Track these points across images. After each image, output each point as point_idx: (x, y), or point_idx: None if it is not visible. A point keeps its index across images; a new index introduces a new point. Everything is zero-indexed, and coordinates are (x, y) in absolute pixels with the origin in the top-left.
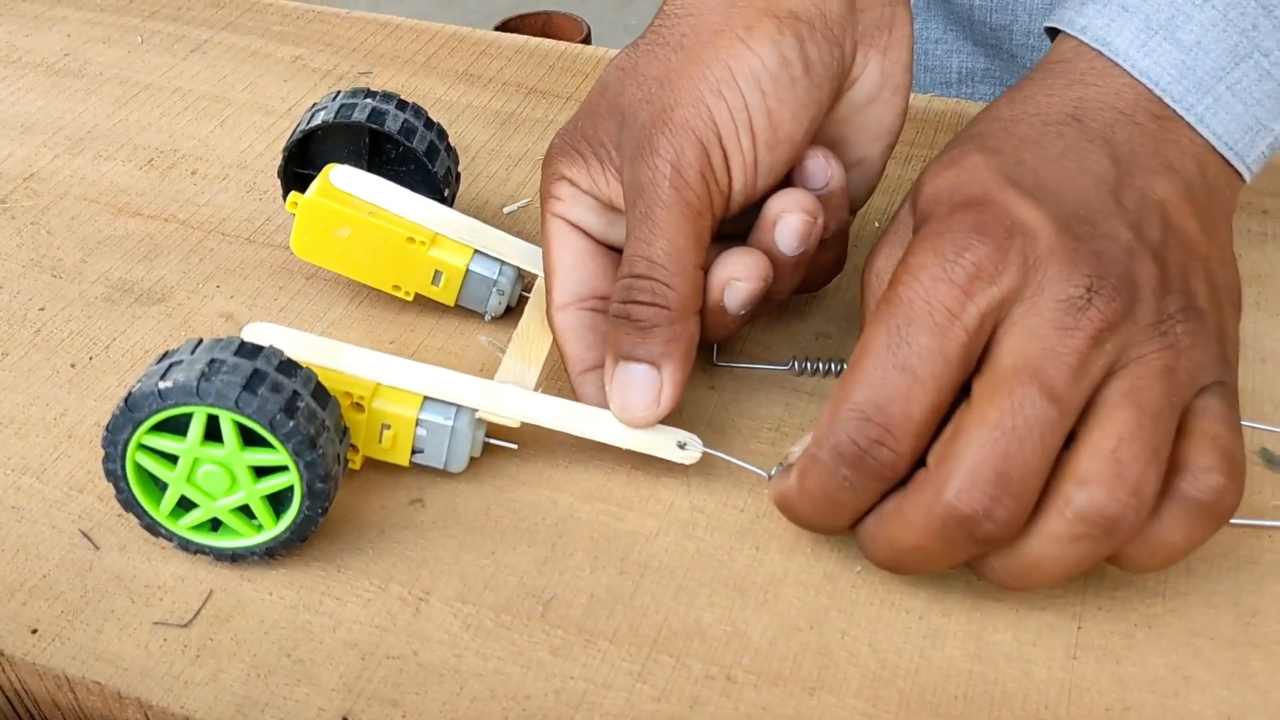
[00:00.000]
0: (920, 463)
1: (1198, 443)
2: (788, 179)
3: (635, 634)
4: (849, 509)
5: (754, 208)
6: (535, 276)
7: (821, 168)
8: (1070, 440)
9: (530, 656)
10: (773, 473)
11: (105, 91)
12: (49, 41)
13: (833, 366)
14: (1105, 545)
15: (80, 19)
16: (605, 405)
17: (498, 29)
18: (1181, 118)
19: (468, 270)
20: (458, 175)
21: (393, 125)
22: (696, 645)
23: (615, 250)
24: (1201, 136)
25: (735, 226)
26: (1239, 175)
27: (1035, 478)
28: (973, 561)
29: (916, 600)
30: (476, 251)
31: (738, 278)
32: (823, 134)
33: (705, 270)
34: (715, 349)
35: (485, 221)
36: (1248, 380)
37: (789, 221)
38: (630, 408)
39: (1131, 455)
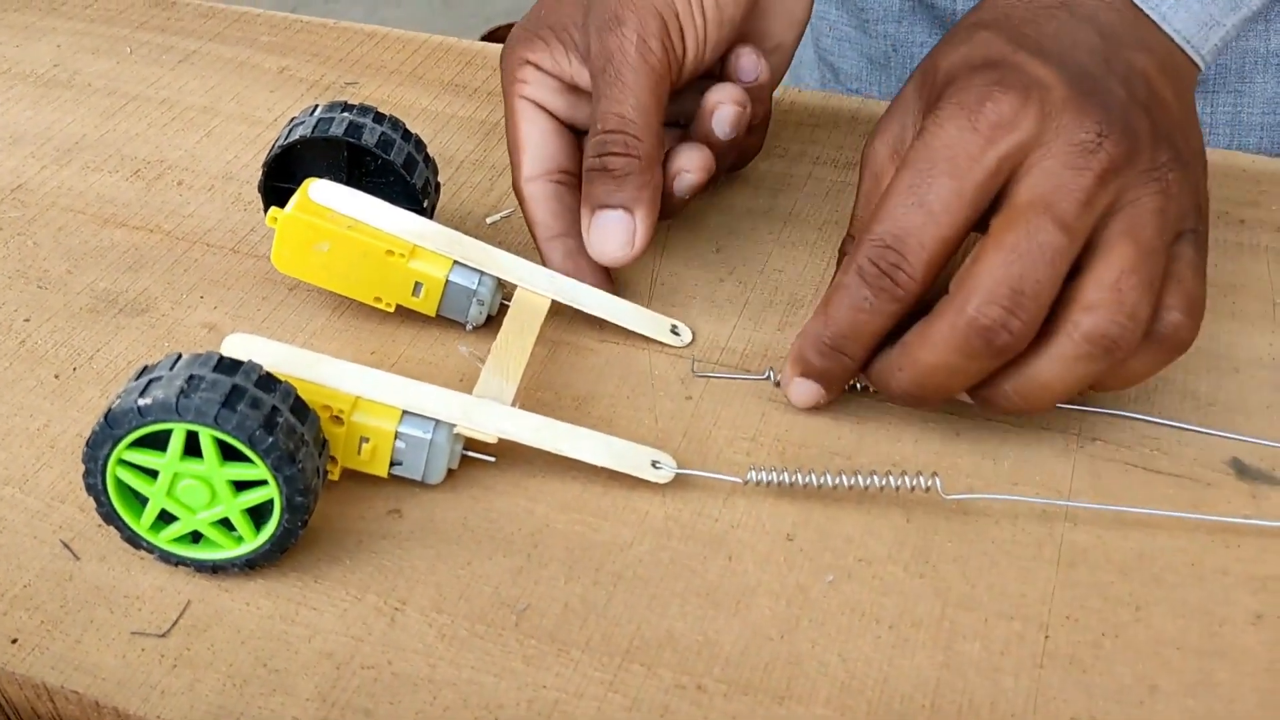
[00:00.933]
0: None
1: (1167, 284)
2: (723, 74)
3: (608, 643)
4: (868, 332)
5: (692, 97)
6: (515, 286)
7: (753, 64)
8: (1075, 273)
9: (504, 666)
10: (769, 375)
11: (94, 102)
12: (39, 52)
13: None
14: (1103, 364)
15: (70, 30)
16: (570, 271)
17: (484, 39)
18: (1148, 15)
19: (447, 281)
20: (437, 186)
21: (370, 139)
22: (668, 655)
23: (576, 131)
24: (1163, 32)
25: (676, 112)
26: (1196, 66)
27: (1045, 295)
28: (984, 390)
29: (886, 610)
30: (456, 262)
31: (687, 169)
32: (748, 25)
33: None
34: (694, 363)
35: (468, 232)
36: (1220, 390)
37: (724, 111)
38: (607, 250)
39: (1130, 285)
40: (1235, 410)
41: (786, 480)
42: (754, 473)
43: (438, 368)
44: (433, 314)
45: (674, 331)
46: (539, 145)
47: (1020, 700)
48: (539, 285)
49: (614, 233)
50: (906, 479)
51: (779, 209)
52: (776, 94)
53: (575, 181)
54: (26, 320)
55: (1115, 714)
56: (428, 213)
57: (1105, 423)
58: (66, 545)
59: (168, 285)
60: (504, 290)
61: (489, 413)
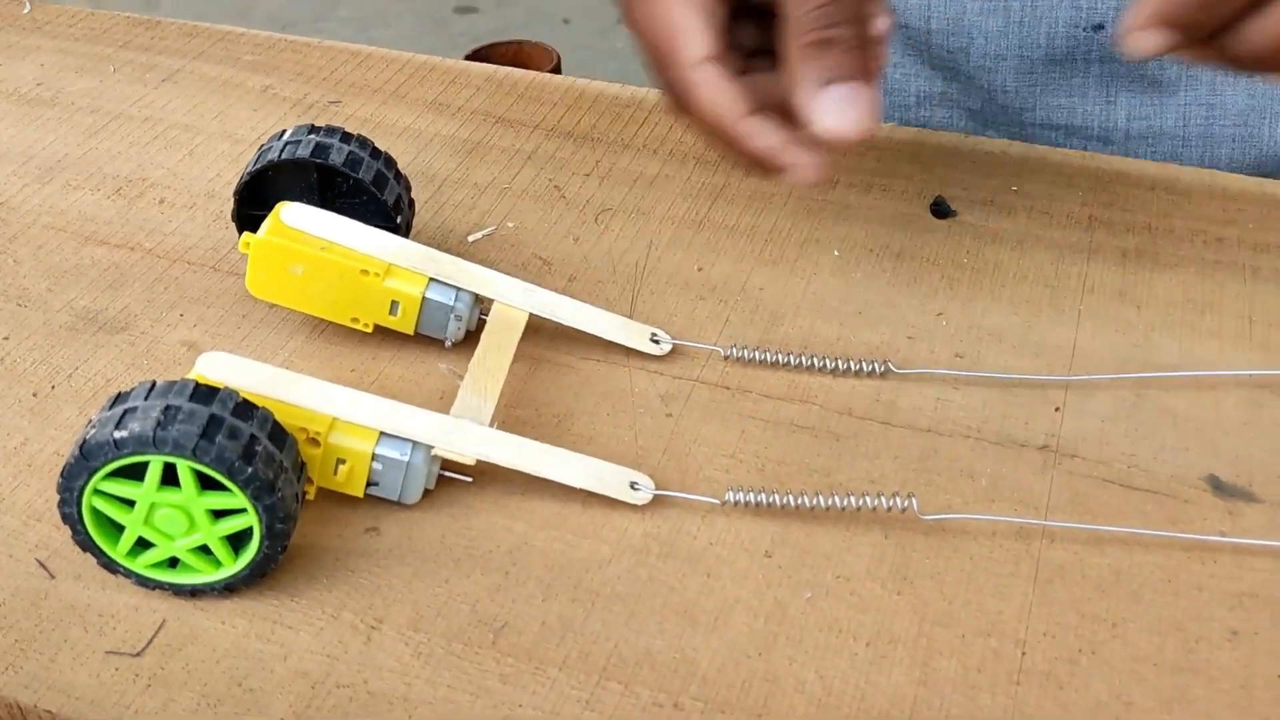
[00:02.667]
0: None
1: None
2: None
3: (585, 662)
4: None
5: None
6: (492, 301)
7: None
8: None
9: (480, 685)
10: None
11: (76, 120)
12: (22, 71)
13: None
14: None
15: (53, 48)
16: (786, 149)
17: (468, 58)
18: None
19: (424, 298)
20: (411, 202)
21: (337, 158)
22: (645, 673)
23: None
24: None
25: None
26: None
27: None
28: None
29: (864, 627)
30: (432, 279)
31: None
32: None
33: None
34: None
35: (450, 250)
36: (1196, 407)
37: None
38: (848, 125)
39: None
40: (1214, 426)
41: (764, 501)
42: (732, 493)
43: (418, 385)
44: (411, 332)
45: (654, 340)
46: (701, 27)
47: (997, 717)
48: (516, 300)
49: (852, 107)
50: (883, 499)
51: (760, 228)
52: None
53: (746, 61)
54: (5, 338)
55: None
56: (402, 229)
57: (1083, 439)
58: (42, 564)
59: (148, 303)
60: (482, 306)
61: (467, 434)
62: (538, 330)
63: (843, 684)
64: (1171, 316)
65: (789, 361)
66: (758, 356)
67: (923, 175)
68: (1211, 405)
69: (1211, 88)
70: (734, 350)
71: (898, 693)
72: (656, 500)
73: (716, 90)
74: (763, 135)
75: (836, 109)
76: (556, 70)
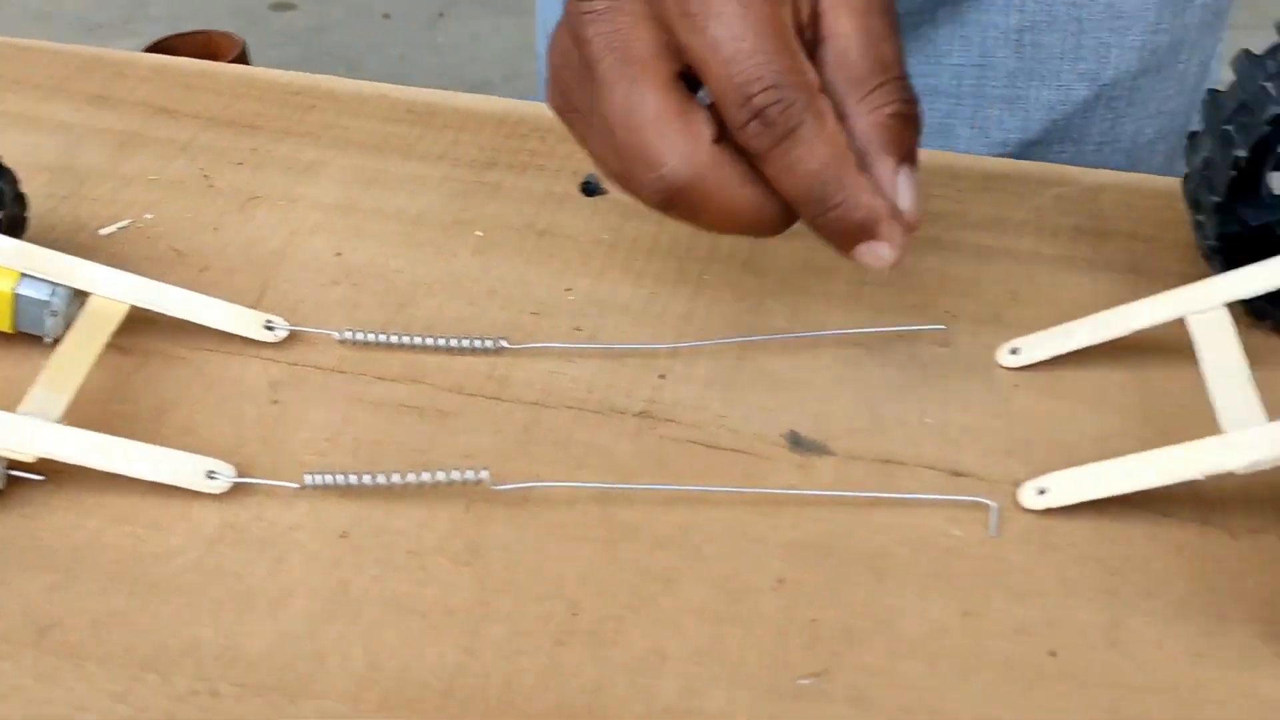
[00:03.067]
0: None
1: None
2: None
3: (127, 655)
4: None
5: None
6: (90, 295)
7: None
8: None
9: (13, 685)
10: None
11: None
12: None
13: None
14: None
15: None
16: (881, 216)
17: (152, 48)
18: None
19: (15, 294)
20: (18, 197)
21: None
22: (188, 662)
23: None
24: None
25: None
26: None
27: None
28: None
29: (423, 600)
30: (24, 275)
31: None
32: None
33: None
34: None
35: (82, 244)
36: (792, 367)
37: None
38: (917, 212)
39: None
40: (804, 385)
41: (343, 481)
42: (311, 476)
43: (22, 385)
44: (10, 330)
45: (268, 327)
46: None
47: (533, 678)
48: (116, 292)
49: (917, 194)
50: (456, 473)
51: (409, 211)
52: (431, 99)
53: None
54: None
55: (622, 684)
56: (3, 225)
57: (681, 404)
58: None
59: None
60: (79, 301)
61: (27, 432)
62: (153, 324)
63: (388, 658)
64: (787, 283)
65: (405, 342)
66: (374, 339)
67: (581, 154)
68: (808, 365)
69: (982, 49)
70: (349, 334)
71: (441, 662)
72: (240, 488)
73: (838, 129)
74: (872, 195)
75: (910, 193)
76: (240, 59)
